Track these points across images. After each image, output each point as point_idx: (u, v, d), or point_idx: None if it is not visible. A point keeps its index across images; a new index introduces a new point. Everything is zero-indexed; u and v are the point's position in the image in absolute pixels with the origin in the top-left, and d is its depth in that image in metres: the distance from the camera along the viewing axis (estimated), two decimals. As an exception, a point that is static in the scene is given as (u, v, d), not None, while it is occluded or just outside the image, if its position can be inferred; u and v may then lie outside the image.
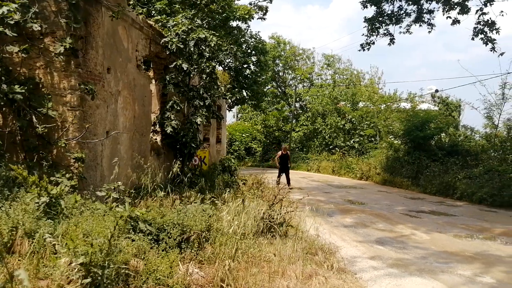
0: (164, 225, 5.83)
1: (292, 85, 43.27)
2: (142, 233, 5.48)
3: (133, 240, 5.07)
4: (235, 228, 6.21)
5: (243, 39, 27.73)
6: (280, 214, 7.74)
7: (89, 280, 3.88)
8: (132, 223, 5.54)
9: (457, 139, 21.77)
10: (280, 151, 19.52)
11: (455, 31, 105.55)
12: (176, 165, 8.47)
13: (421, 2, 16.30)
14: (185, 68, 9.96)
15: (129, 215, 5.16)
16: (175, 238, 5.62)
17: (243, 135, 41.76)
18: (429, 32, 17.23)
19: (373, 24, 16.77)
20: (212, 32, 11.39)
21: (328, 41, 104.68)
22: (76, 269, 3.92)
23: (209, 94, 10.99)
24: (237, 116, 50.00)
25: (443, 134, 21.94)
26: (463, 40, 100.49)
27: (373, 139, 29.78)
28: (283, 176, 18.80)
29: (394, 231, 9.59)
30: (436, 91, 32.76)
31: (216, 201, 8.00)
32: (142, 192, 7.64)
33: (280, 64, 43.12)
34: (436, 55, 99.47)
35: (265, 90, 35.27)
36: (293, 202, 8.38)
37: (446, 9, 15.69)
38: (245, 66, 28.53)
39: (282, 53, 42.41)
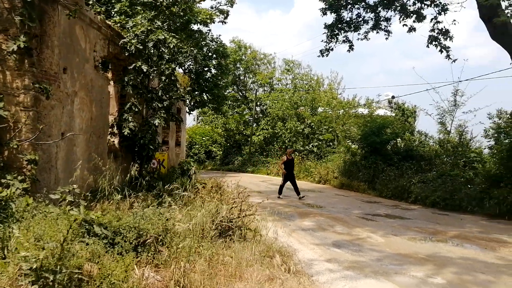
0: (120, 229, 5.72)
1: (253, 89, 43.42)
2: (97, 236, 5.36)
3: (87, 244, 4.95)
4: (192, 231, 6.18)
5: (204, 42, 27.62)
6: (239, 217, 7.74)
7: (38, 285, 3.76)
8: (87, 227, 5.41)
9: (412, 144, 22.43)
10: (285, 156, 17.53)
11: (411, 40, 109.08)
12: (134, 168, 8.33)
13: (378, 10, 16.76)
14: (144, 70, 9.84)
15: (83, 218, 5.06)
16: (131, 241, 5.53)
17: (203, 138, 41.54)
18: (386, 39, 17.76)
19: (332, 31, 17.09)
20: (172, 34, 11.29)
21: (288, 46, 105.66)
22: (26, 274, 3.80)
23: (168, 96, 10.88)
24: (197, 119, 49.72)
25: (399, 139, 22.56)
26: (419, 48, 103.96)
27: (331, 143, 30.27)
28: (284, 184, 16.91)
29: (351, 234, 9.77)
30: (393, 97, 33.58)
31: (173, 205, 7.91)
32: (98, 195, 7.47)
33: (241, 68, 43.15)
34: (393, 62, 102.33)
35: (225, 93, 35.24)
36: (253, 205, 8.39)
37: (402, 17, 16.21)
38: (205, 69, 28.43)
39: (243, 57, 42.48)
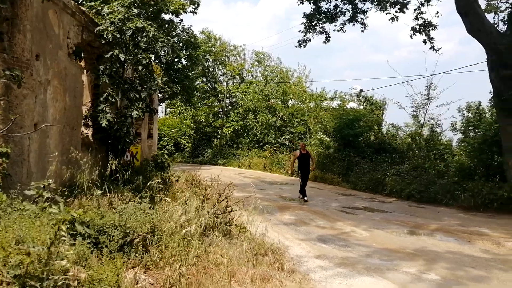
0: (104, 227, 5.34)
1: (223, 81, 42.91)
2: (80, 236, 4.97)
3: (71, 245, 4.56)
4: (181, 229, 5.87)
5: (175, 33, 26.98)
6: (225, 212, 7.45)
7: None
8: (68, 226, 5.00)
9: (384, 137, 22.61)
10: (298, 151, 14.80)
11: (379, 34, 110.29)
12: (114, 161, 7.90)
13: (356, 2, 16.70)
14: (122, 59, 9.35)
15: (64, 217, 4.66)
16: (117, 241, 5.17)
17: (172, 130, 40.82)
18: (362, 31, 17.78)
19: (311, 21, 16.92)
20: (149, 22, 10.81)
21: (257, 39, 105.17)
22: (9, 282, 3.40)
23: (145, 87, 10.41)
24: (165, 111, 48.84)
25: (372, 132, 22.71)
26: (388, 43, 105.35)
27: (303, 136, 30.22)
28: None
29: (334, 228, 9.64)
30: (361, 90, 33.79)
31: (155, 200, 7.56)
32: (76, 190, 7.02)
33: (210, 60, 42.52)
34: (361, 56, 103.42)
35: (195, 85, 34.65)
36: (239, 200, 8.10)
37: (380, 8, 16.21)
38: (176, 60, 27.81)
39: (213, 48, 41.85)
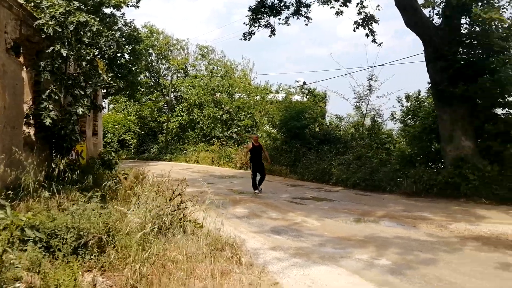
0: (56, 230, 5.16)
1: (167, 75, 42.27)
2: (31, 241, 4.78)
3: (22, 250, 4.38)
4: (136, 228, 5.77)
5: (117, 27, 26.19)
6: (179, 209, 7.39)
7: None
8: (17, 231, 4.79)
9: (328, 128, 23.16)
10: (251, 143, 14.91)
11: (318, 29, 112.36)
12: (62, 161, 7.61)
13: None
14: (64, 54, 8.97)
15: (12, 221, 4.48)
16: (70, 244, 5.01)
17: (116, 126, 39.75)
18: (306, 24, 18.07)
19: (256, 14, 17.02)
20: (92, 16, 10.44)
21: (198, 33, 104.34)
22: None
23: (91, 83, 10.07)
24: (108, 107, 47.48)
25: (317, 123, 23.20)
26: (326, 37, 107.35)
27: (250, 129, 30.39)
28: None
29: (286, 219, 9.80)
30: (304, 83, 34.44)
31: (106, 199, 7.39)
32: (21, 193, 6.71)
33: (154, 54, 41.72)
34: (301, 50, 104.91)
35: (139, 80, 33.88)
36: (193, 196, 8.04)
37: (323, 2, 16.55)
38: (119, 55, 27.03)
39: (156, 42, 41.06)
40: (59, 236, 5.05)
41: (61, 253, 4.80)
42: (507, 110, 13.74)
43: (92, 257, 4.97)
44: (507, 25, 11.97)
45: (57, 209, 6.49)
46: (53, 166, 8.59)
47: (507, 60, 12.32)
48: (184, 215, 7.46)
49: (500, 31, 12.23)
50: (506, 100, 13.56)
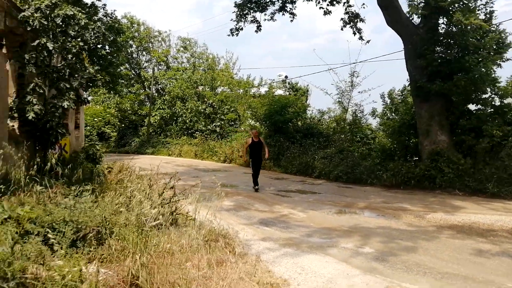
0: (54, 224, 5.39)
1: (148, 67, 42.13)
2: (29, 234, 5.01)
3: (24, 243, 4.62)
4: (133, 220, 6.09)
5: (97, 17, 26.07)
6: (171, 202, 7.70)
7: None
8: (15, 224, 5.02)
9: (311, 122, 23.65)
10: (250, 138, 14.46)
11: (297, 24, 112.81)
12: (54, 155, 7.82)
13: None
14: (50, 48, 9.06)
15: (10, 215, 4.75)
16: (69, 237, 5.25)
17: (95, 119, 39.49)
18: (291, 20, 18.51)
19: (242, 10, 17.36)
20: (79, 9, 10.51)
21: (180, 26, 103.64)
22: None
23: (77, 76, 10.18)
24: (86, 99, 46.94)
25: (300, 117, 23.65)
26: (305, 32, 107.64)
27: (233, 123, 30.69)
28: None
29: (273, 212, 10.21)
30: (286, 77, 34.90)
31: (96, 193, 7.62)
32: (12, 187, 6.90)
33: (134, 46, 41.52)
34: (280, 44, 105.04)
35: (119, 72, 33.76)
36: (185, 189, 8.38)
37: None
38: (99, 46, 26.91)
39: (136, 34, 40.86)
40: (56, 230, 5.28)
41: (59, 246, 5.01)
42: (480, 106, 14.48)
43: (91, 249, 5.24)
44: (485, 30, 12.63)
45: (50, 202, 6.67)
46: (38, 160, 8.66)
47: (481, 59, 12.98)
48: (176, 208, 7.78)
49: (476, 32, 12.84)
50: (479, 97, 14.31)
